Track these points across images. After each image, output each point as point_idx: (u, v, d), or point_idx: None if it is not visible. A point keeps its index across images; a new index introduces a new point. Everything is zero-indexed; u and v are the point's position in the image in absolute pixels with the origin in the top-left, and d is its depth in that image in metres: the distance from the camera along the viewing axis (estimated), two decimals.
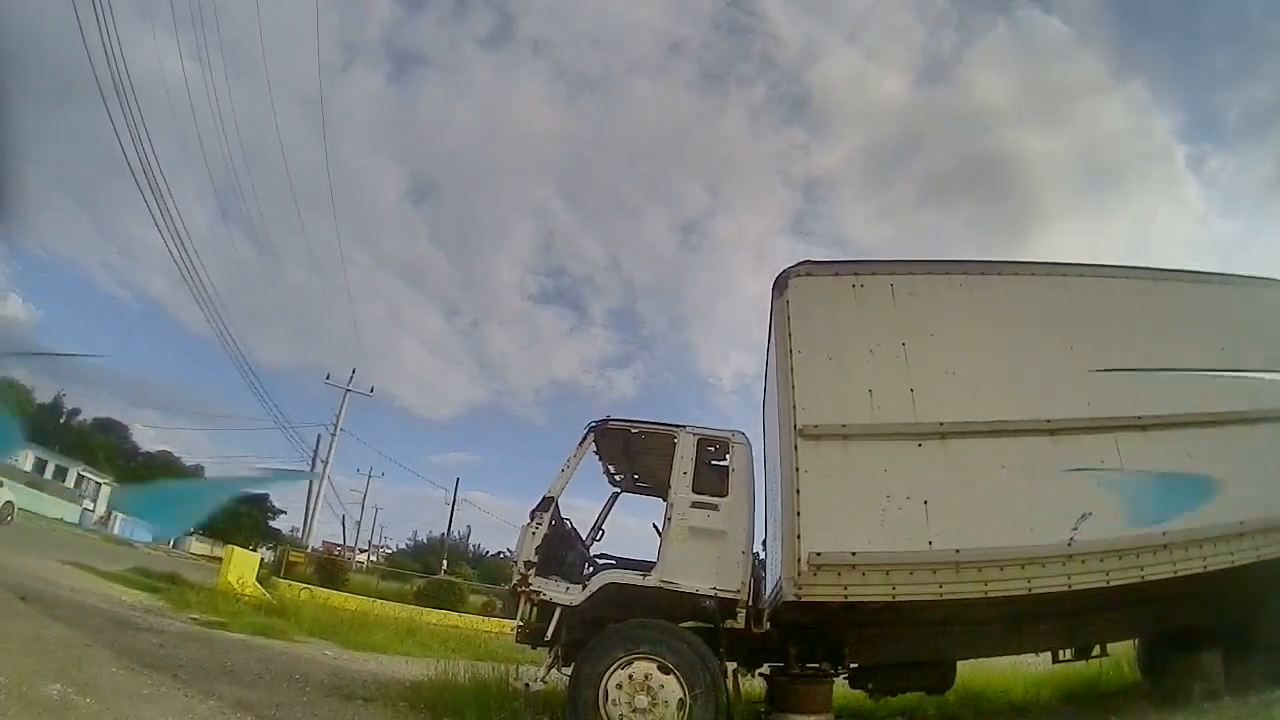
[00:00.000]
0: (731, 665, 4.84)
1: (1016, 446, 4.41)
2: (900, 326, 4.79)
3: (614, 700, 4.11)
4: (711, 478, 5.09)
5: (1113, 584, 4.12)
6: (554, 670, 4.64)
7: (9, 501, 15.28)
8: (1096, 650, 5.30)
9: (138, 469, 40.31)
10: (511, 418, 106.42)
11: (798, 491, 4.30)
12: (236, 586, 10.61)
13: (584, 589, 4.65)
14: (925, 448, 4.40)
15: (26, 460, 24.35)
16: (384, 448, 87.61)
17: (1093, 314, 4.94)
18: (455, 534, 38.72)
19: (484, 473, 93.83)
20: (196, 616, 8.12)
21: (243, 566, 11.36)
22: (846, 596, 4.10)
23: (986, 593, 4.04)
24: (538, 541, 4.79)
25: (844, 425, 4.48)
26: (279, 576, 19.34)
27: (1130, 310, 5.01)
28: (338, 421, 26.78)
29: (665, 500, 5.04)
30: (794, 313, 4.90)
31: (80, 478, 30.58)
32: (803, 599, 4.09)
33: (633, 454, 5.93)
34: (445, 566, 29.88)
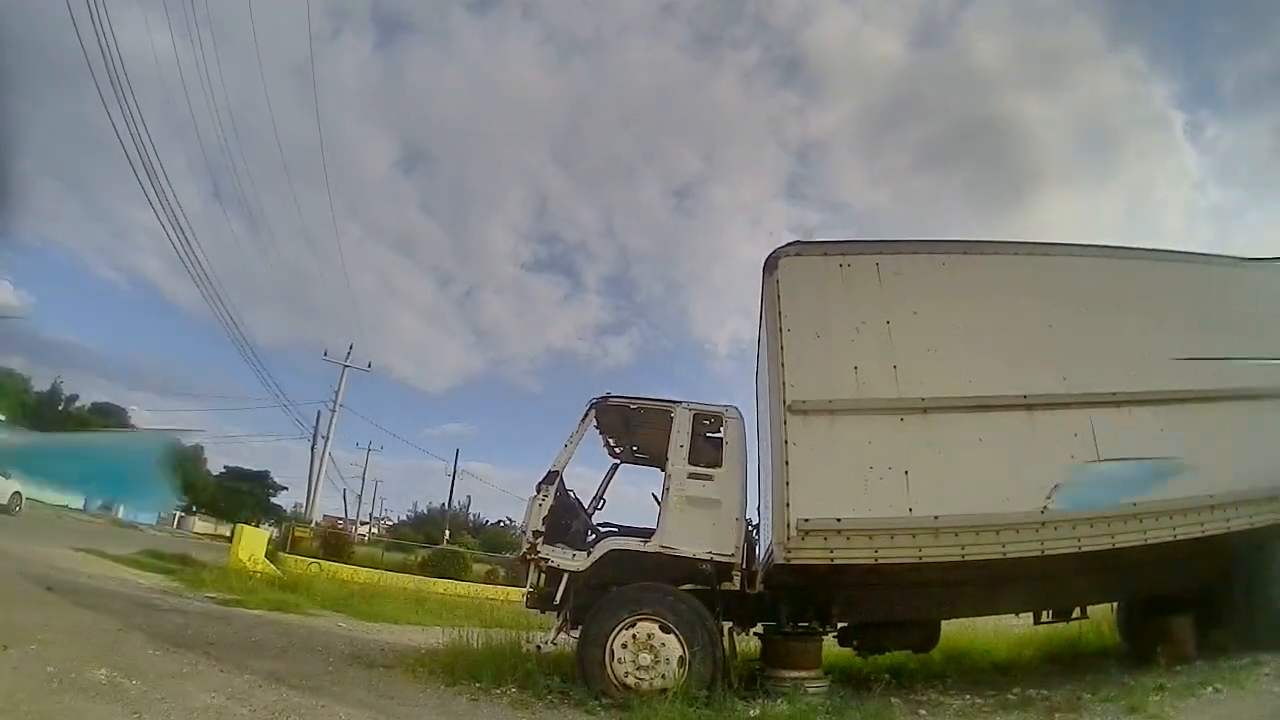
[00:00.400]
0: (727, 625, 5.20)
1: (994, 420, 4.65)
2: (885, 305, 4.98)
3: (619, 659, 4.44)
4: (706, 450, 5.36)
5: (1084, 550, 4.39)
6: (562, 633, 4.97)
7: (17, 492, 15.45)
8: (1076, 613, 5.66)
9: None
10: (507, 386, 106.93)
11: (787, 463, 4.55)
12: (248, 564, 10.94)
13: (589, 556, 4.95)
14: (907, 421, 4.64)
15: None
16: (382, 421, 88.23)
17: (1070, 293, 5.11)
18: (456, 504, 39.47)
19: (482, 442, 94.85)
20: (213, 595, 8.43)
21: (253, 544, 11.68)
22: (833, 559, 4.40)
23: (963, 556, 4.34)
24: (545, 512, 5.07)
25: (831, 400, 4.71)
26: (285, 552, 19.83)
27: (1106, 290, 5.18)
28: (337, 397, 26.94)
29: (663, 471, 5.33)
30: (784, 292, 5.07)
31: None
32: (792, 562, 4.39)
33: (632, 428, 6.19)
34: (448, 537, 30.60)
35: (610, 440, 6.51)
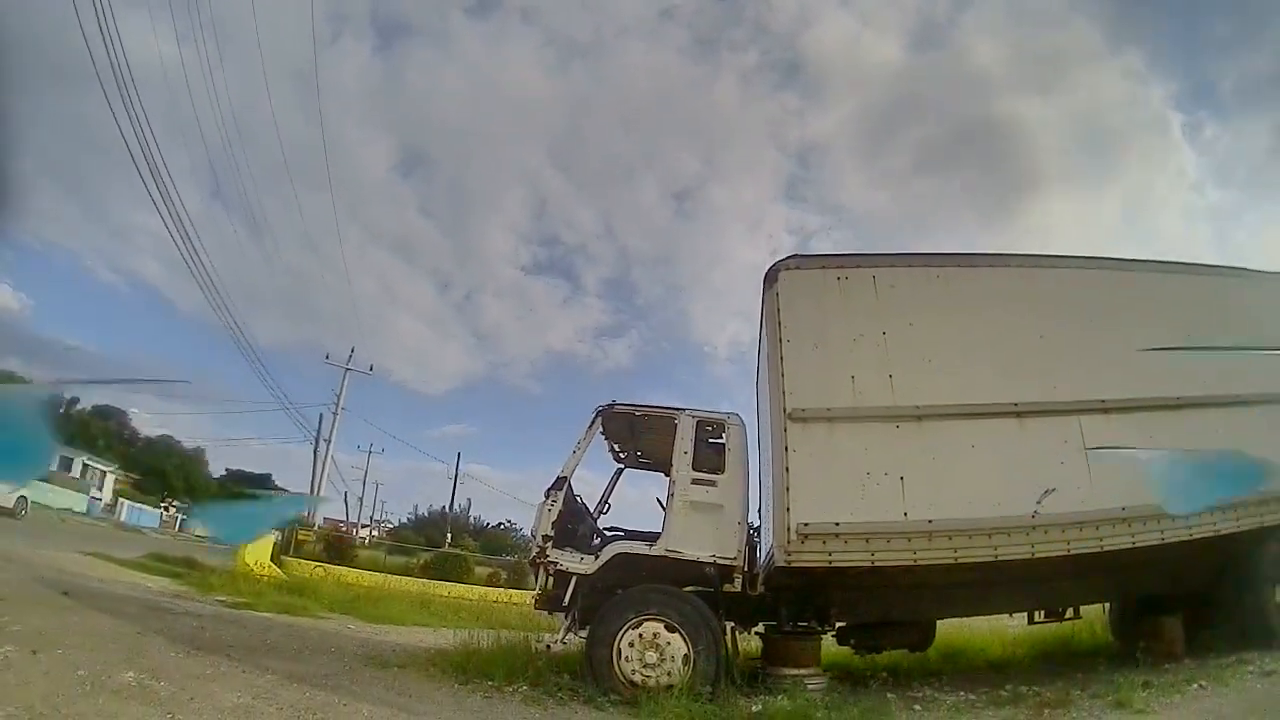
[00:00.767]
0: (730, 624, 5.37)
1: (986, 427, 4.82)
2: (881, 316, 5.15)
3: (626, 657, 4.61)
4: (709, 455, 5.54)
5: (1074, 552, 4.56)
6: (571, 633, 5.13)
7: (22, 496, 15.58)
8: (1069, 613, 5.80)
9: (139, 454, 40.55)
10: (507, 389, 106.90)
11: (788, 469, 4.72)
12: (255, 568, 11.07)
13: (596, 559, 5.11)
14: (902, 428, 4.82)
15: None
16: (382, 423, 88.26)
17: (1060, 304, 5.28)
18: (457, 507, 39.56)
19: (482, 444, 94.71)
20: (223, 599, 8.57)
21: (259, 549, 11.80)
22: (831, 561, 4.57)
23: (956, 559, 4.51)
24: (553, 517, 5.24)
25: (829, 409, 4.88)
26: (288, 555, 19.93)
27: (1095, 300, 5.35)
28: (339, 401, 27.04)
29: (666, 476, 5.50)
30: (783, 304, 5.24)
31: (85, 467, 30.84)
32: (792, 564, 4.56)
33: (636, 433, 6.36)
34: (450, 540, 30.70)
35: (615, 446, 6.68)
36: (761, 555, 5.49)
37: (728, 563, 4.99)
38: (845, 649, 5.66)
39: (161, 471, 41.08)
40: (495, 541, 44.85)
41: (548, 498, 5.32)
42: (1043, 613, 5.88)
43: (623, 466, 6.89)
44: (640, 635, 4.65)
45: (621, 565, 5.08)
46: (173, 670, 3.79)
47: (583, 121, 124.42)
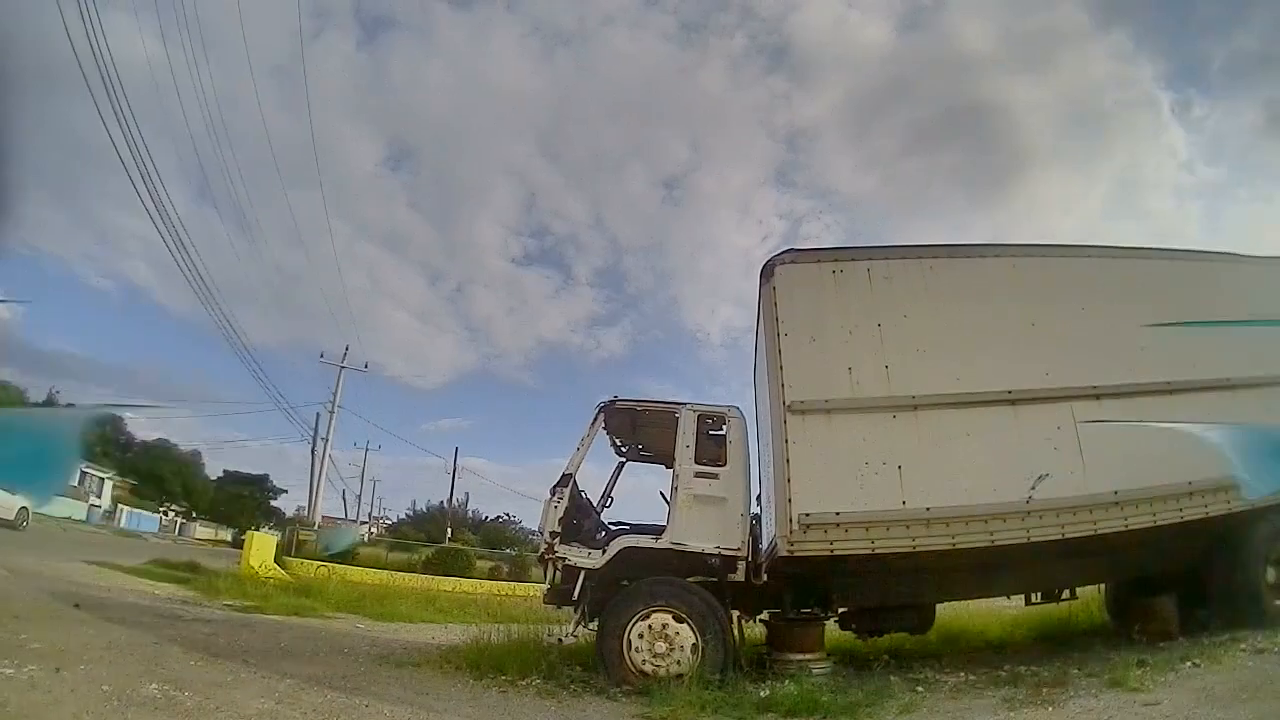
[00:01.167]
0: (735, 613, 5.50)
1: (981, 415, 4.92)
2: (876, 308, 5.23)
3: (636, 648, 4.74)
4: (711, 448, 5.64)
5: (1068, 536, 4.68)
6: (581, 626, 5.25)
7: (24, 507, 15.54)
8: (1065, 594, 5.94)
9: (135, 459, 40.31)
10: (501, 381, 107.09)
11: (788, 461, 4.83)
12: (260, 571, 11.13)
13: (604, 553, 5.21)
14: (899, 418, 4.92)
15: None
16: (376, 418, 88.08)
17: (1050, 292, 5.38)
18: (455, 501, 39.72)
19: (477, 437, 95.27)
20: (231, 603, 8.64)
21: (263, 551, 11.87)
22: (832, 550, 4.69)
23: (954, 544, 4.64)
24: (560, 514, 5.33)
25: (827, 400, 4.98)
26: (290, 555, 20.01)
27: (1085, 287, 5.44)
28: (335, 399, 27.00)
29: (668, 468, 5.59)
30: (780, 298, 5.32)
31: (84, 474, 30.72)
32: (795, 554, 4.68)
33: (637, 428, 6.45)
34: (450, 535, 30.87)
35: (617, 440, 6.77)
36: (764, 544, 5.61)
37: (732, 553, 5.10)
38: (848, 633, 5.81)
39: (159, 476, 40.96)
40: (495, 535, 45.11)
41: (554, 495, 5.42)
42: (1040, 594, 6.05)
43: (624, 460, 6.99)
44: (649, 626, 4.77)
45: (628, 559, 5.19)
46: (194, 679, 3.86)
47: (570, 111, 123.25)
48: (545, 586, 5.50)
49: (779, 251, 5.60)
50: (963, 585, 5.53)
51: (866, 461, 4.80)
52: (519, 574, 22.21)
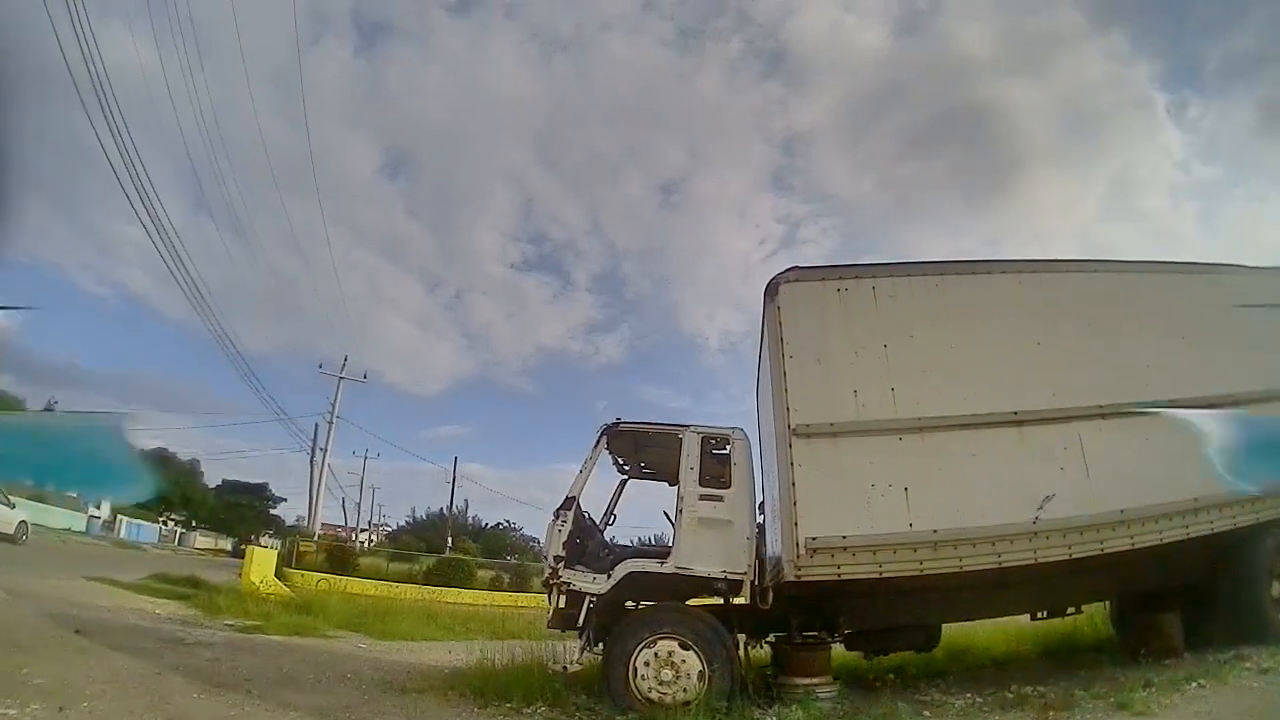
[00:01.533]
0: (741, 637, 5.46)
1: (987, 437, 4.90)
2: (882, 328, 5.21)
3: (642, 675, 4.68)
4: (715, 467, 5.61)
5: (1075, 556, 4.67)
6: (586, 651, 5.20)
7: (23, 521, 15.45)
8: (1071, 609, 5.90)
9: None
10: (500, 387, 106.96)
11: (794, 484, 4.80)
12: (260, 587, 11.07)
13: (609, 578, 5.16)
14: (905, 441, 4.90)
15: None
16: (375, 426, 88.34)
17: (1057, 310, 5.36)
18: (455, 509, 39.61)
19: (477, 444, 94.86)
20: (232, 623, 8.58)
21: (263, 566, 11.80)
22: (839, 575, 4.66)
23: (961, 567, 4.62)
24: (564, 538, 5.29)
25: (833, 424, 4.95)
26: (290, 566, 19.92)
27: (1092, 305, 5.42)
28: (334, 409, 26.95)
29: (671, 485, 5.55)
30: (785, 318, 5.29)
31: None
32: (802, 578, 4.65)
33: (640, 447, 6.41)
34: (450, 544, 30.75)
35: (619, 459, 6.74)
36: (769, 553, 5.57)
37: (738, 578, 5.07)
38: (853, 652, 5.77)
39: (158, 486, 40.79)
40: (495, 542, 44.96)
41: (557, 518, 5.38)
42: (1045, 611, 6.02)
43: (626, 477, 6.95)
44: (655, 654, 4.73)
45: (633, 582, 5.15)
46: (198, 714, 3.83)
47: (567, 117, 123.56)
48: (550, 611, 5.45)
49: (783, 270, 5.56)
50: (970, 605, 5.50)
51: (873, 484, 4.77)
52: (520, 584, 22.12)
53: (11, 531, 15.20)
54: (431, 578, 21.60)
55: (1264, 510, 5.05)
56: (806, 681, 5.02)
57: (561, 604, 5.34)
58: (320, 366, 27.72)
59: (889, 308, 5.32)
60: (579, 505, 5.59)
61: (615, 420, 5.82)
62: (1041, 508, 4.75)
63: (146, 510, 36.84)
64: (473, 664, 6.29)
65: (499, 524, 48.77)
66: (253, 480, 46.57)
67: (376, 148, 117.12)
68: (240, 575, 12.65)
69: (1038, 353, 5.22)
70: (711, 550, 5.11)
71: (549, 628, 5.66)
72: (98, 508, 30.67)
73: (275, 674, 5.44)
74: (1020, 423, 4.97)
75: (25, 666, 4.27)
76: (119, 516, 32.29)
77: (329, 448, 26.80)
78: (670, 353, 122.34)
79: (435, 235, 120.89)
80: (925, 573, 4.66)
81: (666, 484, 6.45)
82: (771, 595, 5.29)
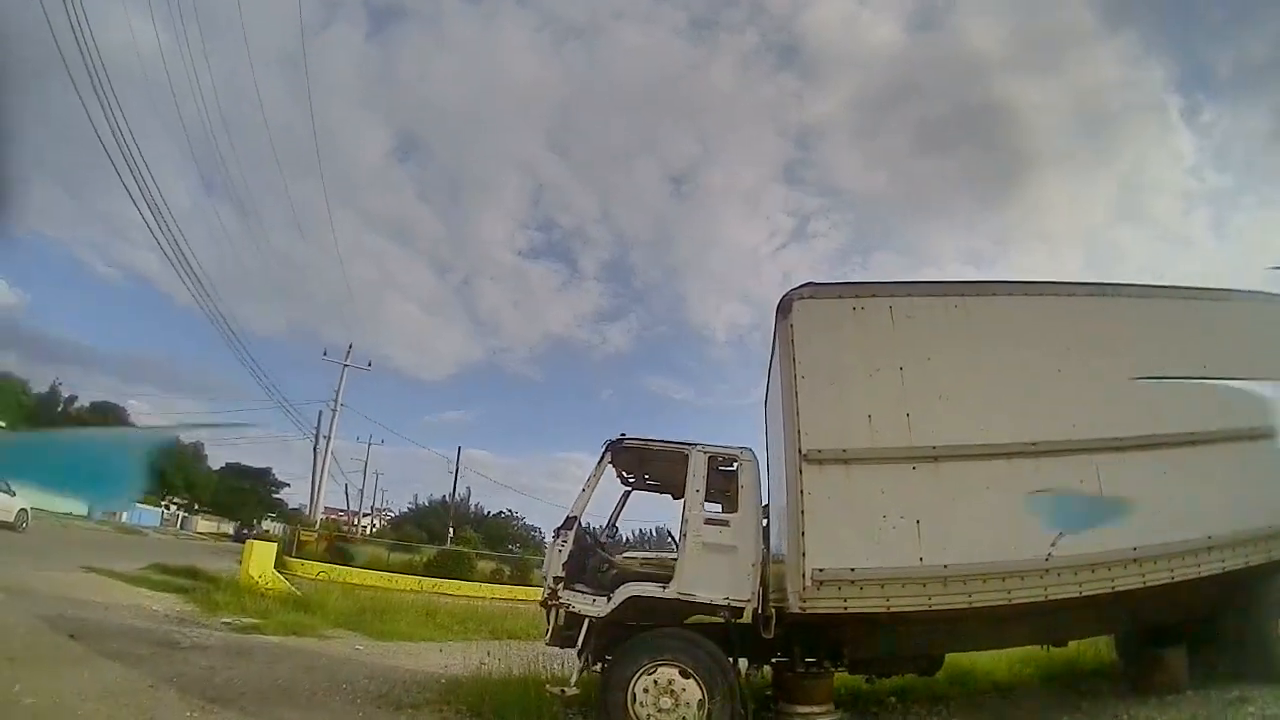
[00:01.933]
0: (743, 659, 5.36)
1: (1002, 468, 4.75)
2: (898, 350, 5.04)
3: (641, 702, 4.59)
4: (722, 484, 5.49)
5: (1085, 594, 4.55)
6: (585, 672, 5.11)
7: (23, 509, 15.48)
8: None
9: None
10: (506, 374, 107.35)
11: (803, 513, 4.65)
12: (259, 581, 11.05)
13: (609, 600, 5.06)
14: (919, 470, 4.75)
15: None
16: (380, 410, 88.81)
17: (1080, 335, 5.17)
18: (457, 497, 39.75)
19: (481, 430, 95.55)
20: (229, 620, 8.55)
21: (262, 561, 11.76)
22: (846, 608, 4.54)
23: (970, 603, 4.49)
24: (564, 558, 5.19)
25: (845, 450, 4.80)
26: (291, 555, 20.01)
27: (1116, 330, 5.25)
28: (337, 397, 26.97)
29: (675, 499, 5.42)
30: (798, 337, 5.12)
31: None
32: (807, 611, 4.54)
33: (644, 460, 6.28)
34: (452, 535, 30.88)
35: (624, 472, 6.62)
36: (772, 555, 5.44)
37: (741, 605, 4.96)
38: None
39: (161, 469, 40.93)
40: (497, 531, 45.22)
41: (558, 537, 5.27)
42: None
43: (629, 489, 6.85)
44: (655, 681, 4.63)
45: (634, 605, 5.05)
46: None
47: (579, 105, 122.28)
48: (548, 630, 5.35)
49: (797, 286, 5.39)
50: (975, 637, 5.38)
51: (884, 515, 4.63)
52: (521, 576, 22.19)
53: (12, 519, 15.22)
54: (432, 569, 21.68)
55: (1277, 549, 4.91)
56: (808, 710, 4.95)
57: (560, 622, 5.26)
58: (325, 354, 27.73)
59: (906, 328, 5.15)
60: (580, 525, 5.48)
61: (620, 436, 5.69)
62: (1054, 544, 4.61)
63: (149, 494, 37.07)
64: (470, 672, 6.24)
65: (501, 513, 49.02)
66: (256, 464, 46.84)
67: (388, 132, 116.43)
68: (240, 562, 12.65)
69: (1058, 380, 5.05)
70: (715, 576, 4.99)
71: (547, 645, 5.58)
72: None
73: (269, 686, 5.38)
74: (1038, 454, 4.82)
75: (17, 683, 4.19)
76: None
77: (332, 436, 26.86)
78: (677, 343, 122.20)
79: (444, 220, 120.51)
80: (933, 609, 4.53)
81: (673, 498, 6.34)
82: (775, 622, 5.18)
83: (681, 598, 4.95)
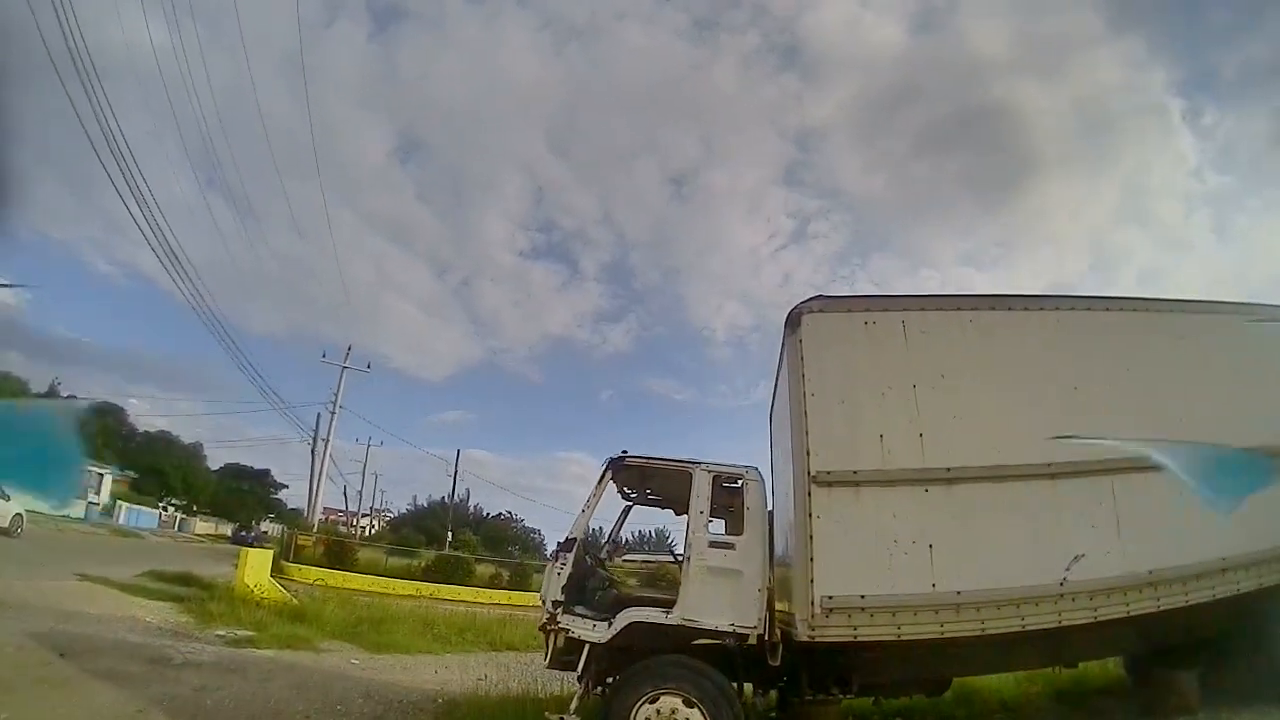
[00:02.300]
0: (749, 684, 5.20)
1: (1017, 490, 4.60)
2: (911, 367, 4.88)
3: None
4: (726, 505, 5.34)
5: (1100, 619, 4.42)
6: (586, 699, 4.96)
7: (18, 514, 15.32)
8: None
9: (137, 451, 40.17)
10: (506, 375, 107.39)
11: (811, 538, 4.49)
12: (254, 591, 10.89)
13: (609, 625, 4.91)
14: (932, 493, 4.59)
15: None
16: (380, 410, 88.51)
17: (1097, 352, 5.02)
18: (456, 498, 39.58)
19: (481, 430, 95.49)
20: (223, 633, 8.39)
21: (258, 570, 11.59)
22: (856, 636, 4.38)
23: (983, 630, 4.35)
24: (564, 581, 5.03)
25: (855, 472, 4.64)
26: (288, 560, 19.86)
27: (1133, 347, 5.10)
28: (336, 399, 26.82)
29: (678, 515, 5.26)
30: (807, 353, 4.96)
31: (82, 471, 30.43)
32: (815, 639, 4.38)
33: (647, 477, 6.13)
34: (451, 538, 30.71)
35: (625, 488, 6.47)
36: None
37: (746, 631, 4.80)
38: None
39: (160, 470, 40.76)
40: (496, 533, 45.07)
41: (556, 559, 5.11)
42: None
43: (631, 504, 6.69)
44: (658, 710, 4.49)
45: (635, 630, 4.89)
46: None
47: (580, 105, 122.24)
48: (548, 654, 5.19)
49: (807, 299, 5.22)
50: (986, 661, 5.24)
51: (895, 540, 4.48)
52: (519, 581, 22.02)
53: (6, 525, 15.06)
54: (430, 573, 21.51)
55: None
56: None
57: (560, 645, 5.11)
58: (324, 355, 27.60)
59: (919, 344, 4.99)
60: (580, 546, 5.32)
61: (622, 454, 5.53)
62: (1069, 568, 4.46)
63: (147, 496, 36.88)
64: (467, 691, 6.09)
65: (500, 514, 48.87)
66: (255, 465, 46.66)
67: (389, 132, 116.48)
68: (235, 568, 12.48)
69: (1074, 398, 4.90)
70: (720, 601, 4.84)
71: (547, 668, 5.42)
72: (97, 493, 30.64)
73: (261, 707, 5.24)
74: (1054, 475, 4.66)
75: (3, 710, 4.05)
76: (118, 502, 32.22)
77: (330, 438, 26.72)
78: (677, 344, 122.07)
79: (445, 221, 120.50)
80: (945, 636, 4.38)
81: (675, 514, 6.19)
82: (781, 649, 5.03)
83: (685, 624, 4.79)
